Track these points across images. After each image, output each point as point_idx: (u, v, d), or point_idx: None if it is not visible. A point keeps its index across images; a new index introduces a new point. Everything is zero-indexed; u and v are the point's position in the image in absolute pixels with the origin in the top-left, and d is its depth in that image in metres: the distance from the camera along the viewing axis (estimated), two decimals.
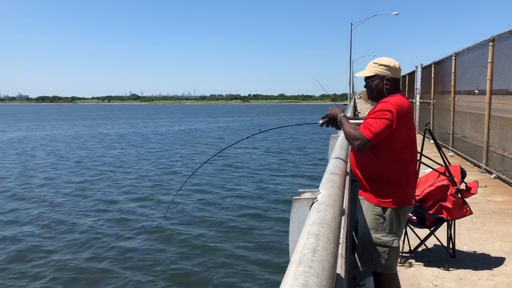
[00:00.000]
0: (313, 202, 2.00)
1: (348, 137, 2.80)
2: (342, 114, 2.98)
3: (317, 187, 2.22)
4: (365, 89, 3.05)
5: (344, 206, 2.36)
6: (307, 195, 2.09)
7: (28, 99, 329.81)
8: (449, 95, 11.61)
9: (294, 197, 2.06)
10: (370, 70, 2.89)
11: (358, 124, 3.01)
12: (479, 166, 8.83)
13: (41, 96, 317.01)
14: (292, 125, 4.42)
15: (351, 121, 2.98)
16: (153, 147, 27.89)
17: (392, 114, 2.66)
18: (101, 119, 69.97)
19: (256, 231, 9.71)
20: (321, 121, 3.14)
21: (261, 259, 8.05)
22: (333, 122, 3.06)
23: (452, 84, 11.16)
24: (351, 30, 44.28)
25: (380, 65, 2.85)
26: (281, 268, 7.40)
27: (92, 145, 29.04)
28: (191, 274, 7.36)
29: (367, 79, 2.92)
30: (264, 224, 10.23)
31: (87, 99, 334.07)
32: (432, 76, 13.84)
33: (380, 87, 2.85)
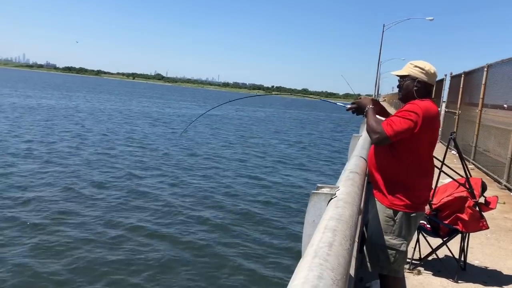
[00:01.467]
0: (331, 198, 2.00)
1: (369, 129, 2.80)
2: (371, 106, 2.96)
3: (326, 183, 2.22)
4: (397, 89, 3.03)
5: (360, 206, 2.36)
6: (325, 190, 2.08)
7: (55, 68, 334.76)
8: (476, 107, 11.39)
9: (313, 191, 2.05)
10: (405, 69, 2.90)
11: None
12: (499, 182, 8.68)
13: (68, 67, 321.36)
14: (322, 99, 4.59)
15: (378, 116, 2.97)
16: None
17: (418, 117, 2.65)
18: (142, 97, 70.43)
19: (270, 219, 9.78)
20: (349, 106, 3.14)
21: (272, 244, 8.12)
22: (360, 110, 3.06)
23: (481, 96, 10.94)
24: (383, 31, 43.75)
25: (416, 66, 2.84)
26: (290, 256, 7.45)
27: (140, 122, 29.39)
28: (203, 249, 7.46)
29: (400, 78, 2.93)
30: (277, 214, 10.29)
31: (112, 74, 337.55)
32: (461, 86, 13.60)
33: (410, 88, 2.84)
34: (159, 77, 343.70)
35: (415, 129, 2.65)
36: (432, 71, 2.85)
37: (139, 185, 11.94)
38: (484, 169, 10.13)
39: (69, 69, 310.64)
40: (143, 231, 8.35)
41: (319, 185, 2.16)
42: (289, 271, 6.97)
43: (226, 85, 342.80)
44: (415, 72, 2.83)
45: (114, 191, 11.07)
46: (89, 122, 26.75)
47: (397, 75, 2.95)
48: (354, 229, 1.68)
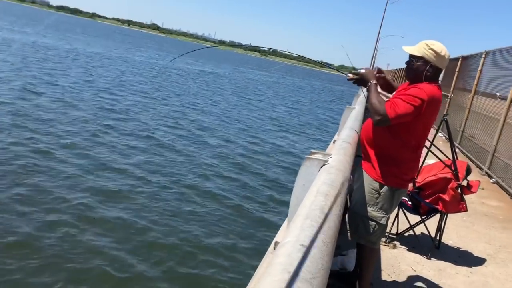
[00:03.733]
0: (323, 165, 2.02)
1: (371, 109, 2.73)
2: (374, 82, 2.86)
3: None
4: (406, 66, 2.95)
5: None
6: (319, 156, 2.10)
7: (48, 5, 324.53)
8: (468, 93, 11.45)
9: (306, 156, 2.07)
10: (419, 50, 2.78)
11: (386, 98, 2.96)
12: (480, 168, 8.84)
13: (62, 6, 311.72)
14: (320, 63, 4.56)
15: (380, 90, 2.93)
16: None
17: (422, 103, 2.61)
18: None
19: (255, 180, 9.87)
20: (350, 75, 3.06)
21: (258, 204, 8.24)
22: (362, 82, 2.97)
23: (475, 83, 10.97)
24: (386, 5, 43.15)
25: (431, 49, 2.73)
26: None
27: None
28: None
29: (411, 57, 2.83)
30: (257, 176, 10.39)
31: (107, 18, 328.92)
32: (457, 70, 13.61)
33: (421, 70, 2.76)
34: (154, 27, 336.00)
35: (418, 114, 2.64)
36: (447, 57, 2.77)
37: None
38: (468, 154, 10.29)
39: (62, 8, 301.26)
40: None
41: (313, 150, 2.18)
42: (273, 228, 7.12)
43: (222, 42, 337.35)
44: (429, 56, 2.74)
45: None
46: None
47: (410, 53, 2.84)
48: (344, 196, 1.71)
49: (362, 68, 3.05)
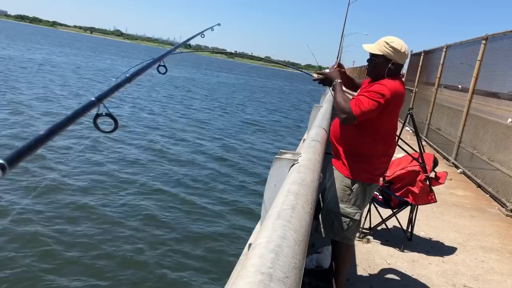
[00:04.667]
0: (293, 164, 2.03)
1: (337, 107, 2.77)
2: (339, 80, 2.91)
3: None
4: (367, 63, 2.99)
5: None
6: (288, 156, 2.11)
7: (6, 15, 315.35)
8: (432, 86, 11.74)
9: (276, 156, 2.07)
10: (379, 48, 2.82)
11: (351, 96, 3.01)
12: (447, 159, 9.08)
13: (20, 15, 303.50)
14: (286, 65, 4.54)
15: (345, 89, 2.97)
16: None
17: (386, 99, 2.65)
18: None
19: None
20: (315, 75, 3.11)
21: (231, 207, 8.20)
22: (327, 82, 3.02)
23: (438, 76, 11.27)
24: (348, 4, 43.78)
25: (391, 47, 2.77)
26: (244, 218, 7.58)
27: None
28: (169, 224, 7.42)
29: (372, 55, 2.87)
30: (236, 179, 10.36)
31: (69, 26, 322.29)
32: (420, 64, 13.93)
33: (382, 67, 2.80)
34: (118, 33, 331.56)
35: (383, 110, 2.68)
36: (407, 52, 2.83)
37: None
38: (435, 146, 10.54)
39: (21, 18, 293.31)
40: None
41: (282, 150, 2.19)
42: (247, 230, 7.11)
43: (187, 46, 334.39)
44: (390, 53, 2.78)
45: None
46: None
47: (370, 52, 2.88)
48: (315, 194, 1.72)
49: (326, 68, 3.09)
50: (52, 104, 16.52)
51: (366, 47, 2.92)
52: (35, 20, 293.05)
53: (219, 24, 3.47)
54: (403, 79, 2.95)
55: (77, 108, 0.95)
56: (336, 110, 2.82)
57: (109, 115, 1.03)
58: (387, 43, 2.79)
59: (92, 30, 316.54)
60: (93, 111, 1.02)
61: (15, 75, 23.02)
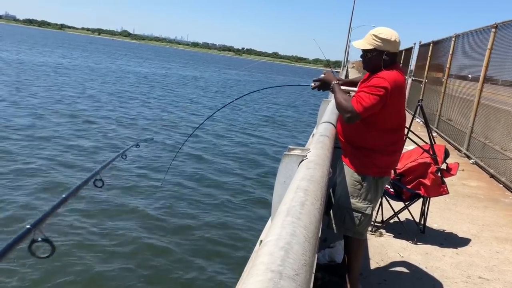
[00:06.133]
0: (302, 160, 2.02)
1: (339, 108, 2.77)
2: (335, 82, 2.94)
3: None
4: (361, 59, 2.99)
5: None
6: (297, 152, 2.10)
7: (15, 19, 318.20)
8: (442, 77, 11.64)
9: (284, 153, 2.07)
10: (370, 42, 2.79)
11: (350, 94, 3.01)
12: (459, 150, 9.00)
13: (29, 19, 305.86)
14: (285, 85, 4.47)
15: (343, 87, 2.97)
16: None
17: (386, 91, 2.63)
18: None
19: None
20: (313, 84, 3.13)
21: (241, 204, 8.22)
22: (325, 86, 3.06)
23: (447, 66, 11.16)
24: None
25: (381, 38, 2.75)
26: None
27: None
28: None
29: (364, 51, 2.84)
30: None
31: (76, 28, 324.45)
32: (429, 55, 13.81)
33: (377, 61, 2.78)
34: (125, 34, 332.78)
35: (385, 102, 2.67)
36: (398, 40, 2.79)
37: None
38: (446, 137, 10.45)
39: (30, 22, 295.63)
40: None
41: (290, 146, 2.18)
42: (257, 230, 7.13)
43: (195, 45, 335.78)
44: (380, 45, 2.75)
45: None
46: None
47: (362, 49, 2.86)
48: (324, 189, 1.71)
49: (335, 63, 3.08)
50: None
51: (356, 44, 2.90)
52: (43, 24, 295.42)
53: (137, 146, 3.21)
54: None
55: (13, 237, 0.94)
56: (339, 111, 2.81)
57: (46, 240, 1.02)
58: (376, 36, 2.77)
59: (100, 31, 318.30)
60: (29, 238, 1.00)
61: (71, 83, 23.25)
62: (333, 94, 2.92)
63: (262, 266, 0.93)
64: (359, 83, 3.03)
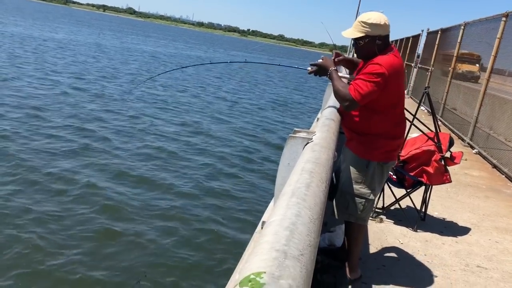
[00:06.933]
0: (308, 143, 2.01)
1: (336, 96, 2.74)
2: (333, 68, 2.89)
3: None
4: (354, 48, 2.92)
5: None
6: (302, 134, 2.09)
7: None
8: (449, 65, 11.54)
9: (290, 135, 2.06)
10: (359, 30, 2.73)
11: (349, 81, 2.97)
12: (463, 140, 8.97)
13: None
14: (280, 65, 4.47)
15: (341, 74, 2.93)
16: None
17: (384, 77, 2.59)
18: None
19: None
20: (309, 68, 3.07)
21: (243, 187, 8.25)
22: (322, 72, 2.99)
23: (455, 55, 11.06)
24: None
25: (370, 24, 2.69)
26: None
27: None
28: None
29: (356, 39, 2.78)
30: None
31: (81, 4, 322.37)
32: (437, 42, 13.67)
33: (371, 47, 2.73)
34: (130, 11, 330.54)
35: (383, 88, 2.63)
36: (387, 23, 2.73)
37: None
38: (450, 126, 10.42)
39: None
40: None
41: (296, 129, 2.17)
42: (258, 211, 7.16)
43: (200, 24, 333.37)
44: (372, 31, 2.70)
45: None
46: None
47: (353, 38, 2.80)
48: (329, 172, 1.70)
49: (341, 48, 3.04)
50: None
51: (345, 34, 2.84)
52: None
53: None
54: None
55: None
56: (336, 98, 2.78)
57: None
58: (364, 22, 2.70)
59: (104, 8, 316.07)
60: None
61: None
62: (330, 81, 2.88)
63: (267, 245, 0.93)
64: (355, 70, 3.00)
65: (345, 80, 3.00)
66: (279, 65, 4.56)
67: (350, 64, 3.26)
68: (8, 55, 20.89)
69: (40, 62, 20.54)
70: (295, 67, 4.06)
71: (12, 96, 12.61)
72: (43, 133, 9.64)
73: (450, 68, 11.27)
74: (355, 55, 3.41)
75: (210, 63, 6.00)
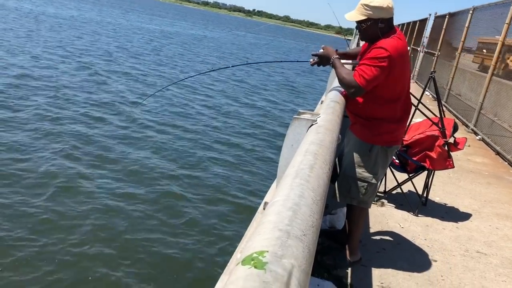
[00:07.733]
0: (312, 124, 2.00)
1: (341, 83, 2.72)
2: (335, 56, 2.86)
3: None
4: (357, 31, 2.87)
5: None
6: (307, 116, 2.08)
7: None
8: (455, 50, 11.42)
9: (294, 116, 2.05)
10: (361, 13, 2.69)
11: (353, 66, 2.94)
12: (467, 126, 8.94)
13: None
14: (282, 61, 4.46)
15: (343, 61, 2.90)
16: None
17: (388, 61, 2.57)
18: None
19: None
20: (311, 60, 3.04)
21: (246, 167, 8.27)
22: (325, 61, 2.96)
23: (462, 39, 10.94)
24: None
25: (372, 7, 2.64)
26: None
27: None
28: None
29: (359, 22, 2.74)
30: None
31: None
32: (444, 27, 13.51)
33: (374, 30, 2.69)
34: None
35: (388, 72, 2.61)
36: (390, 5, 2.68)
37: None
38: (454, 112, 10.37)
39: None
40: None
41: (300, 110, 2.16)
42: (262, 191, 7.19)
43: (205, 3, 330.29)
44: (374, 14, 2.65)
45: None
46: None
47: (356, 21, 2.76)
48: (333, 155, 1.70)
49: (347, 30, 3.00)
50: None
51: (348, 17, 2.78)
52: None
53: None
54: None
55: None
56: (341, 86, 2.76)
57: None
58: (367, 5, 2.66)
59: None
60: None
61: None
62: (334, 69, 2.85)
63: (270, 225, 0.93)
64: (358, 55, 2.97)
65: (348, 67, 2.97)
66: (281, 61, 4.57)
67: (346, 58, 3.19)
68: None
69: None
70: (297, 61, 4.04)
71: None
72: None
73: (457, 53, 11.15)
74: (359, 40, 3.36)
75: (212, 70, 6.13)
